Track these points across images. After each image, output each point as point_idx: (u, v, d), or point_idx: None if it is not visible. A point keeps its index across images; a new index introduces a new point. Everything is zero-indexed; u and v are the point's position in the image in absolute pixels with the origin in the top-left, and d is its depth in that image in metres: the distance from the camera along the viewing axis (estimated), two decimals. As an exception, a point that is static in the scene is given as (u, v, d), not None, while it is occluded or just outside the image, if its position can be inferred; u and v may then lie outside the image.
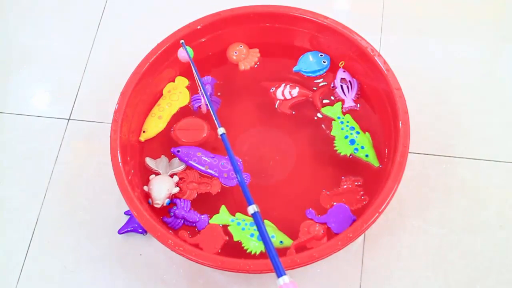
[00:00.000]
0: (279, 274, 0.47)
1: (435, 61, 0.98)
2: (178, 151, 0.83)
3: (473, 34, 1.00)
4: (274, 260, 0.48)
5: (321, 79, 0.89)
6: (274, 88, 0.87)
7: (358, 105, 0.86)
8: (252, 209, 0.53)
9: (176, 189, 0.80)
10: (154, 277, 0.82)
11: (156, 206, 0.78)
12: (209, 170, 0.82)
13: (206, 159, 0.82)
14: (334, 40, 0.86)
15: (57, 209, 0.88)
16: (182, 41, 0.78)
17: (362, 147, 0.81)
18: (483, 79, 0.96)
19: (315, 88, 0.88)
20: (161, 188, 0.78)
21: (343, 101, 0.86)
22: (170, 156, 0.84)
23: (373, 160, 0.81)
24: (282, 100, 0.87)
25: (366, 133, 0.83)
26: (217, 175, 0.81)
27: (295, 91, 0.87)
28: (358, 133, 0.83)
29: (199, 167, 0.82)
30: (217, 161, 0.82)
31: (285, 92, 0.86)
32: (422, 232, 0.83)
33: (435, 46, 0.99)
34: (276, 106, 0.87)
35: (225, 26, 0.87)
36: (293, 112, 0.86)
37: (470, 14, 1.02)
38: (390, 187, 0.71)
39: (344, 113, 0.85)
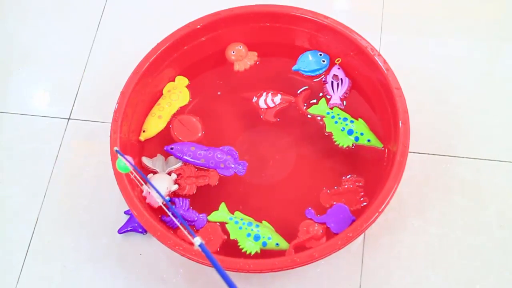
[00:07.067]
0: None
1: (435, 61, 0.98)
2: (172, 149, 0.83)
3: (473, 34, 1.00)
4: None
5: (322, 77, 0.89)
6: (256, 98, 0.87)
7: (344, 102, 0.86)
8: None
9: (175, 186, 0.80)
10: (154, 277, 0.82)
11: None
12: (205, 163, 0.82)
13: (201, 152, 0.82)
14: (334, 39, 0.85)
15: (57, 209, 0.88)
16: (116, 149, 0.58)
17: (362, 134, 0.81)
18: (483, 79, 0.96)
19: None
20: (160, 187, 0.78)
21: (329, 98, 0.86)
22: (167, 155, 0.84)
23: (376, 143, 0.81)
24: (266, 108, 0.87)
25: (359, 119, 0.83)
26: (213, 166, 0.82)
27: (277, 98, 0.86)
28: (352, 121, 0.82)
29: (195, 161, 0.82)
30: (212, 153, 0.82)
31: (268, 101, 0.86)
32: (422, 232, 0.83)
33: (435, 46, 0.99)
34: (261, 116, 0.86)
35: (225, 26, 0.87)
36: (278, 120, 0.86)
37: (470, 14, 1.02)
38: (390, 187, 0.71)
39: (330, 108, 0.85)
